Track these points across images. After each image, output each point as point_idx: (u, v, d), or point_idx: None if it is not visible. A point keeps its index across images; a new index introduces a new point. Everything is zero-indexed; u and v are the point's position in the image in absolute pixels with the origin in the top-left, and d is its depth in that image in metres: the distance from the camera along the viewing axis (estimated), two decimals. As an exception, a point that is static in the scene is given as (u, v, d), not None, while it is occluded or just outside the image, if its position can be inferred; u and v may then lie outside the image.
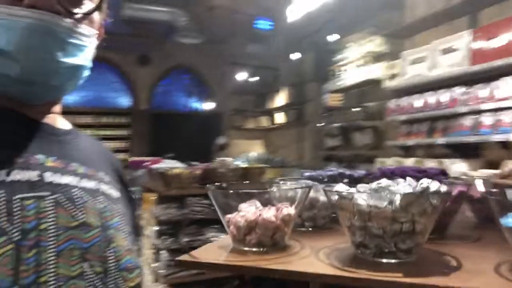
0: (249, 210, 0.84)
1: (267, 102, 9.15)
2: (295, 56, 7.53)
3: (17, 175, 0.52)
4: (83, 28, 0.59)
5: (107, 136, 8.15)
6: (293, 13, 5.07)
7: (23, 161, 0.54)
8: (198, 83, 9.17)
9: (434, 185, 0.74)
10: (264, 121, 9.17)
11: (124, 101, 8.67)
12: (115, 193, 0.65)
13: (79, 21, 0.58)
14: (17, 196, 0.50)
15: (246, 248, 0.82)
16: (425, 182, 0.74)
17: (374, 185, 0.76)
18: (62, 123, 0.67)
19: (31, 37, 0.53)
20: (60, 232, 0.52)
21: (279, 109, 8.52)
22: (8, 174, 0.51)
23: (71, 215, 0.54)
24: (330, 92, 6.14)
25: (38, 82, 0.56)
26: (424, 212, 0.67)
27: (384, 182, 0.77)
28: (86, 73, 0.63)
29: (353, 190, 0.75)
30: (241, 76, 8.61)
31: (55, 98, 0.64)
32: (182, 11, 5.80)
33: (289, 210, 0.84)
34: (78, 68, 0.60)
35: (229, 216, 0.84)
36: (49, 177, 0.55)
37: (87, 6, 0.59)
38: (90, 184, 0.60)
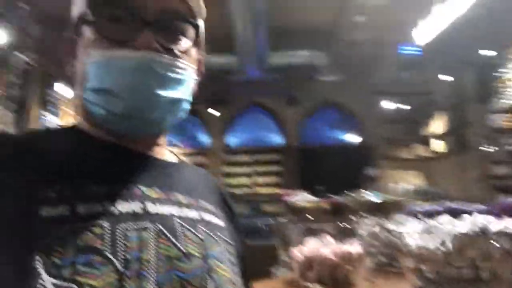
0: (311, 245, 0.90)
1: (421, 130, 8.52)
2: (448, 77, 6.92)
3: (122, 207, 0.54)
4: (181, 63, 0.61)
5: (261, 172, 8.82)
6: (434, 33, 4.76)
7: (127, 192, 0.56)
8: (345, 116, 9.20)
9: (496, 225, 0.68)
10: (419, 150, 8.53)
11: (276, 139, 9.29)
12: (218, 222, 0.66)
13: (177, 57, 0.61)
14: (121, 228, 0.52)
15: (309, 284, 0.87)
16: (484, 220, 0.69)
17: (431, 222, 0.73)
18: (167, 155, 0.70)
19: (134, 76, 0.57)
20: (161, 262, 0.53)
21: (436, 135, 7.82)
22: (113, 206, 0.53)
23: (172, 245, 0.55)
24: (498, 112, 5.40)
25: (140, 117, 0.59)
26: (489, 256, 0.62)
27: (443, 219, 0.74)
28: (187, 106, 0.65)
29: (404, 229, 0.75)
30: (390, 104, 8.29)
31: (157, 132, 0.66)
32: (323, 52, 6.06)
33: (352, 248, 0.87)
34: (177, 101, 0.62)
35: (292, 249, 0.92)
36: (151, 208, 0.56)
37: (184, 42, 0.63)
38: (191, 213, 0.61)
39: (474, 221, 0.66)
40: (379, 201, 2.85)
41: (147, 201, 0.57)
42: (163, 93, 0.59)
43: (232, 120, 9.10)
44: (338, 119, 9.28)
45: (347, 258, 0.84)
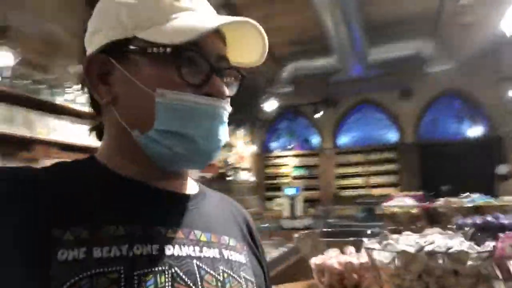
0: (327, 255, 0.98)
1: None
2: None
3: (139, 250, 0.52)
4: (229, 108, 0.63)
5: (376, 172, 8.50)
6: None
7: (144, 234, 0.54)
8: (468, 107, 8.28)
9: (439, 243, 0.66)
10: None
11: (390, 136, 8.85)
12: (240, 258, 0.64)
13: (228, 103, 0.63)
14: (136, 272, 0.50)
15: None
16: (431, 239, 0.68)
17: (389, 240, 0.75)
18: (189, 187, 0.68)
19: (210, 121, 0.59)
20: None
21: None
22: (129, 249, 0.52)
23: None
24: None
25: (205, 157, 0.61)
26: (432, 272, 0.63)
27: (397, 237, 0.75)
28: None
29: (375, 245, 0.78)
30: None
31: (203, 168, 0.66)
32: (430, 40, 5.63)
33: (354, 258, 0.92)
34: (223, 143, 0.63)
35: (313, 258, 1.00)
36: (169, 250, 0.55)
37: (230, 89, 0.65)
38: (211, 252, 0.59)
39: (417, 240, 0.67)
40: (474, 205, 2.60)
41: (165, 243, 0.55)
42: (223, 138, 0.61)
43: (342, 119, 8.99)
44: (460, 110, 8.41)
45: (350, 267, 0.89)
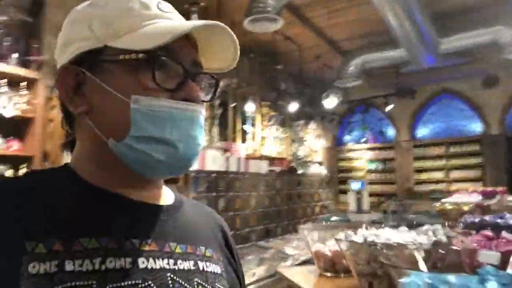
0: (325, 244, 1.17)
1: None
2: None
3: (112, 263, 0.51)
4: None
5: (457, 165, 8.05)
6: None
7: (118, 247, 0.53)
8: None
9: (384, 236, 0.81)
10: None
11: (473, 127, 8.29)
12: (215, 269, 0.64)
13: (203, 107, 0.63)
14: (108, 286, 0.50)
15: (321, 272, 1.16)
16: (380, 233, 0.83)
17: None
18: (165, 197, 0.67)
19: (188, 125, 0.58)
20: None
21: None
22: (102, 262, 0.51)
23: None
24: None
25: (184, 163, 0.60)
26: (378, 260, 0.79)
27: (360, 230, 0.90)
28: None
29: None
30: None
31: (182, 174, 0.67)
32: (506, 26, 5.23)
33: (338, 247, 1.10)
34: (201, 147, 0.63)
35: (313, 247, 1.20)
36: (142, 263, 0.54)
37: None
38: (186, 264, 0.59)
39: (365, 233, 0.82)
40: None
41: (139, 256, 0.54)
42: (201, 142, 0.61)
43: (419, 111, 8.62)
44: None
45: (338, 254, 1.07)
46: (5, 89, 3.20)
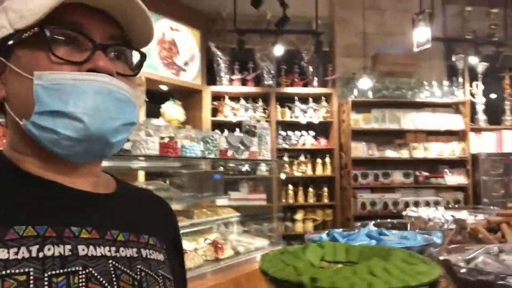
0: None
1: None
2: None
3: (49, 250, 0.50)
4: (130, 88, 0.60)
5: None
6: None
7: (57, 235, 0.52)
8: None
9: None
10: None
11: None
12: (159, 256, 0.63)
13: (126, 82, 0.60)
14: (47, 273, 0.48)
15: None
16: None
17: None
18: (106, 185, 0.66)
19: (95, 97, 0.55)
20: None
21: None
22: (40, 250, 0.49)
23: None
24: None
25: (99, 140, 0.56)
26: None
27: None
28: (132, 130, 0.63)
29: None
30: None
31: (109, 155, 0.62)
32: None
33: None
34: (130, 125, 0.60)
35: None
36: (83, 250, 0.53)
37: (128, 69, 0.63)
38: (129, 252, 0.58)
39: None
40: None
41: (79, 243, 0.53)
42: (121, 116, 0.58)
43: None
44: None
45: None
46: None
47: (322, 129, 4.72)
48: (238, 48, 4.05)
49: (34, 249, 0.49)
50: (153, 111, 4.32)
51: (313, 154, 4.71)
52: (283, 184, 4.59)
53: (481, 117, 4.87)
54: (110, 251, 0.56)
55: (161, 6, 4.03)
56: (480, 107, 4.88)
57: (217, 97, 4.57)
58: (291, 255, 0.68)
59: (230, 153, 2.54)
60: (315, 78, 4.66)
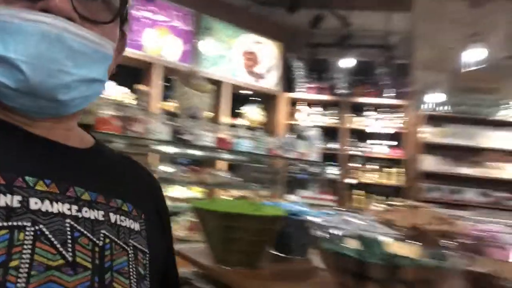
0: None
1: None
2: None
3: None
4: (99, 38, 0.50)
5: None
6: None
7: (5, 182, 0.44)
8: None
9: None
10: None
11: None
12: (133, 224, 0.55)
13: (96, 30, 0.50)
14: None
15: None
16: None
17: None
18: (80, 140, 0.57)
19: (40, 43, 0.45)
20: (34, 272, 0.42)
21: None
22: None
23: (55, 251, 0.44)
24: None
25: (45, 96, 0.47)
26: None
27: None
28: (102, 88, 0.54)
29: None
30: None
31: (65, 114, 0.53)
32: None
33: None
34: (91, 82, 0.51)
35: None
36: (35, 204, 0.45)
37: (105, 15, 0.51)
38: (94, 213, 0.50)
39: None
40: None
41: (32, 196, 0.45)
42: (75, 71, 0.48)
43: None
44: None
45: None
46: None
47: (395, 139, 4.83)
48: (312, 59, 4.40)
49: None
50: (236, 112, 4.90)
51: (384, 163, 4.85)
52: (352, 188, 4.81)
53: None
54: (70, 209, 0.48)
55: (248, 23, 4.58)
56: None
57: (293, 103, 4.98)
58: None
59: (278, 152, 2.94)
60: (390, 90, 4.79)
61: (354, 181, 4.83)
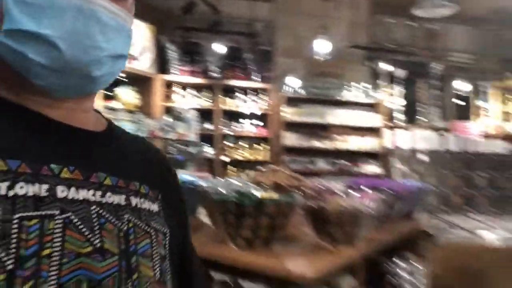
0: None
1: None
2: None
3: (21, 189, 0.43)
4: (125, 14, 0.51)
5: None
6: None
7: (31, 172, 0.44)
8: None
9: None
10: None
11: None
12: (151, 206, 0.56)
13: (121, 5, 0.51)
14: (17, 215, 0.41)
15: None
16: None
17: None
18: (95, 122, 0.57)
19: (76, 18, 0.45)
20: (65, 259, 0.42)
21: None
22: (10, 188, 0.42)
23: (84, 239, 0.45)
24: None
25: (79, 72, 0.48)
26: None
27: None
28: (124, 65, 0.54)
29: None
30: None
31: (92, 92, 0.54)
32: None
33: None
34: (118, 58, 0.52)
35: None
36: (61, 192, 0.45)
37: None
38: (116, 198, 0.51)
39: None
40: None
41: (58, 184, 0.46)
42: (107, 45, 0.49)
43: None
44: None
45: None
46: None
47: (261, 119, 5.40)
48: (185, 43, 4.60)
49: (3, 186, 0.42)
50: (109, 95, 4.82)
51: (253, 141, 5.39)
52: (226, 165, 5.26)
53: (397, 116, 5.71)
54: (94, 195, 0.48)
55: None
56: (396, 108, 5.73)
57: (168, 85, 5.13)
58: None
59: (159, 133, 3.15)
60: (257, 74, 5.32)
61: (227, 159, 5.28)
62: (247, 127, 5.37)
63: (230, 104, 5.29)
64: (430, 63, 5.92)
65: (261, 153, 5.36)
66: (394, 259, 1.59)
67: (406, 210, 1.84)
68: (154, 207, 0.56)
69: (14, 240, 0.40)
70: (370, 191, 1.36)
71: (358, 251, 1.18)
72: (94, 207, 0.48)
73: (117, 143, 0.59)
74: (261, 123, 5.40)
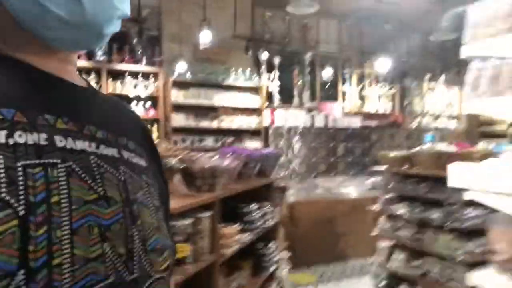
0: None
1: None
2: None
3: (20, 137, 0.42)
4: None
5: None
6: None
7: (27, 121, 0.43)
8: None
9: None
10: None
11: None
12: (140, 161, 0.56)
13: None
14: (21, 163, 0.41)
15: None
16: None
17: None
18: (79, 78, 0.57)
19: None
20: (75, 206, 0.43)
21: None
22: (9, 136, 0.41)
23: (88, 187, 0.45)
24: None
25: (94, 29, 0.48)
26: None
27: None
28: (119, 26, 0.54)
29: None
30: None
31: (94, 47, 0.56)
32: None
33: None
34: (120, 18, 0.52)
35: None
36: (60, 141, 0.45)
37: None
38: (110, 151, 0.51)
39: None
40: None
41: (55, 133, 0.45)
42: (121, 5, 0.50)
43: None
44: None
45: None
46: (141, 80, 5.31)
47: (150, 102, 5.64)
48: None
49: (2, 134, 0.40)
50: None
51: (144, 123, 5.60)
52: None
53: (275, 98, 6.47)
54: (90, 146, 0.48)
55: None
56: (275, 91, 6.47)
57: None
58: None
59: None
60: (144, 58, 5.52)
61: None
62: (137, 110, 5.55)
63: (119, 88, 5.41)
64: (303, 52, 6.77)
65: (152, 134, 5.62)
66: (251, 204, 2.15)
67: (262, 169, 2.42)
68: (142, 162, 0.57)
69: (22, 187, 0.39)
70: (229, 155, 1.86)
71: (215, 196, 1.68)
72: (92, 157, 0.48)
73: (101, 100, 0.59)
74: (151, 106, 5.64)
